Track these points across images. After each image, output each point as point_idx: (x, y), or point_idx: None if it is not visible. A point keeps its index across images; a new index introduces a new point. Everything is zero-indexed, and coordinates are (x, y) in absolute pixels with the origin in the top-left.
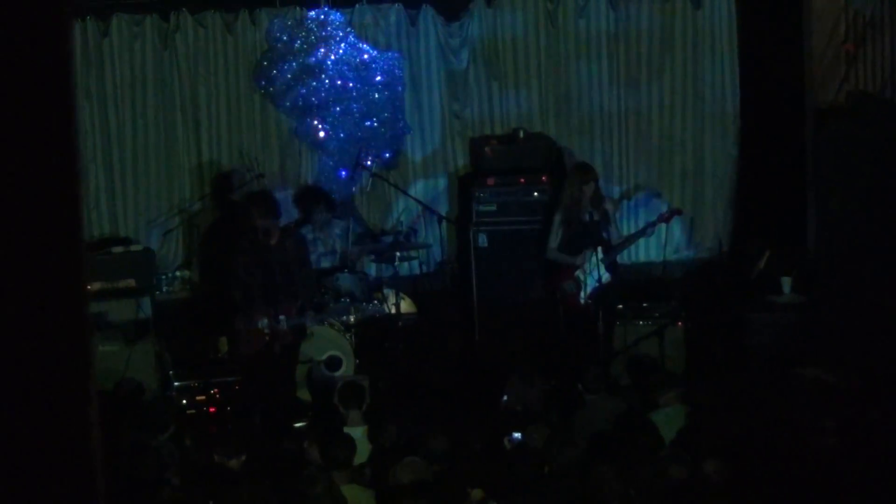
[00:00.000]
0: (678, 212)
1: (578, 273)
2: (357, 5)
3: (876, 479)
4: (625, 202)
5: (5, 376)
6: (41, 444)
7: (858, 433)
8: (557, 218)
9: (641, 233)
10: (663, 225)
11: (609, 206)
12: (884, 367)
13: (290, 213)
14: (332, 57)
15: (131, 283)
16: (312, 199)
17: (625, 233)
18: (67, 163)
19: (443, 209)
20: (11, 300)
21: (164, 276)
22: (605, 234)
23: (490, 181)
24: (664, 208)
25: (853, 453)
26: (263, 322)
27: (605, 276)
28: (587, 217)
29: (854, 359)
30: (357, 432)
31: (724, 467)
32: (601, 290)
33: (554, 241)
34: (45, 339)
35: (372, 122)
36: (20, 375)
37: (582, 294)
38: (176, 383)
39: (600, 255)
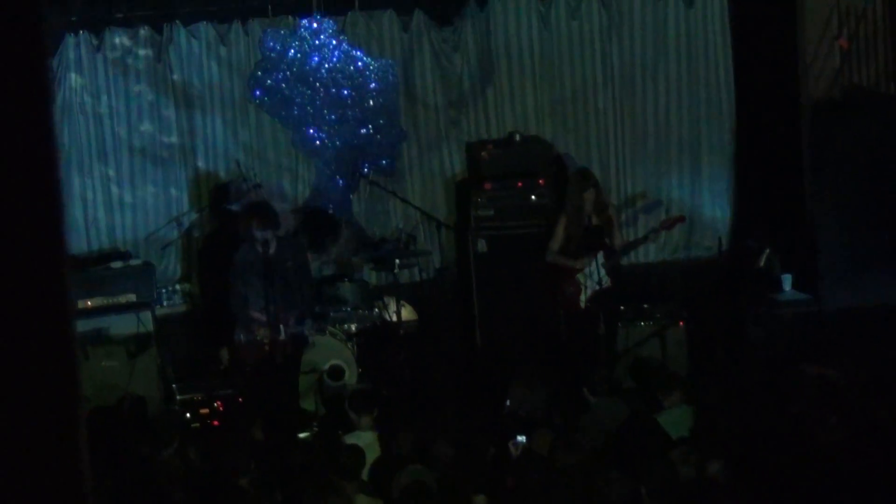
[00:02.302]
0: (681, 219)
1: (579, 276)
2: (349, 12)
3: (881, 475)
4: (627, 209)
5: None
6: (30, 461)
7: (863, 429)
8: (560, 222)
9: (644, 239)
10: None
11: (611, 211)
12: (885, 360)
13: (287, 222)
14: (326, 65)
15: (132, 297)
16: (314, 221)
17: (626, 238)
18: (46, 174)
19: (441, 215)
20: None
21: (164, 290)
22: (607, 239)
23: (487, 186)
24: (664, 214)
25: (858, 449)
26: (263, 332)
27: (606, 280)
28: (589, 222)
29: (856, 354)
30: (368, 438)
31: (728, 467)
32: (601, 294)
33: (556, 244)
34: (30, 356)
35: (368, 129)
36: (5, 394)
37: (581, 297)
38: (179, 397)
39: (601, 260)
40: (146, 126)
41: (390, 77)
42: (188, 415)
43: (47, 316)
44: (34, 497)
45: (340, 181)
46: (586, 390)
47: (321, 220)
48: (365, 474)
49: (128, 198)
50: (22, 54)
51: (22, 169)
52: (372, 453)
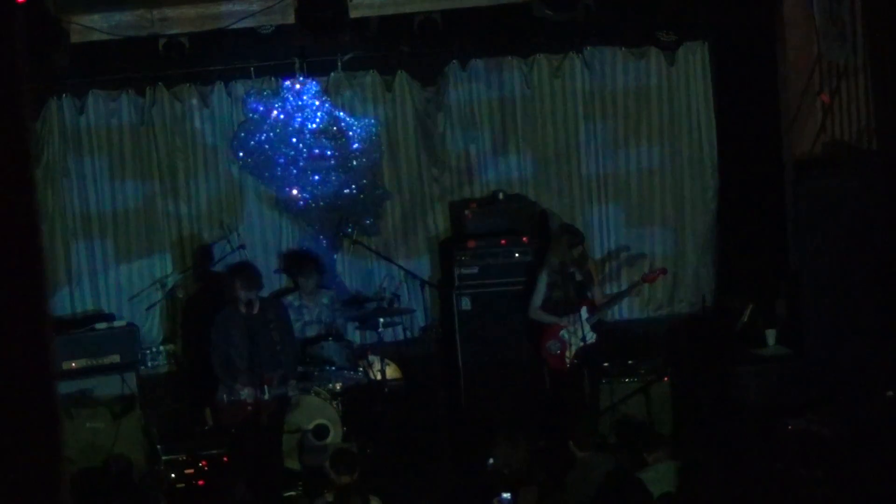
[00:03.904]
0: (663, 271)
1: (563, 332)
2: (332, 73)
3: None
4: (610, 263)
5: None
6: None
7: (848, 483)
8: (542, 278)
9: (626, 292)
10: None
11: (591, 266)
12: (869, 414)
13: (271, 283)
14: (310, 126)
15: (116, 358)
16: (303, 265)
17: (608, 292)
18: (28, 238)
19: (425, 273)
20: None
21: (148, 351)
22: (588, 294)
23: (471, 244)
24: (646, 268)
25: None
26: (247, 393)
27: (590, 336)
28: (572, 277)
29: (840, 408)
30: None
31: None
32: (586, 350)
33: (538, 300)
34: (13, 417)
35: (351, 189)
36: None
37: (567, 354)
38: (164, 457)
39: (585, 316)
40: (130, 189)
41: (373, 137)
42: (173, 475)
43: (31, 377)
44: None
45: (324, 241)
46: (573, 444)
47: (300, 256)
48: None
49: (112, 260)
50: (4, 118)
51: (3, 233)
52: None
